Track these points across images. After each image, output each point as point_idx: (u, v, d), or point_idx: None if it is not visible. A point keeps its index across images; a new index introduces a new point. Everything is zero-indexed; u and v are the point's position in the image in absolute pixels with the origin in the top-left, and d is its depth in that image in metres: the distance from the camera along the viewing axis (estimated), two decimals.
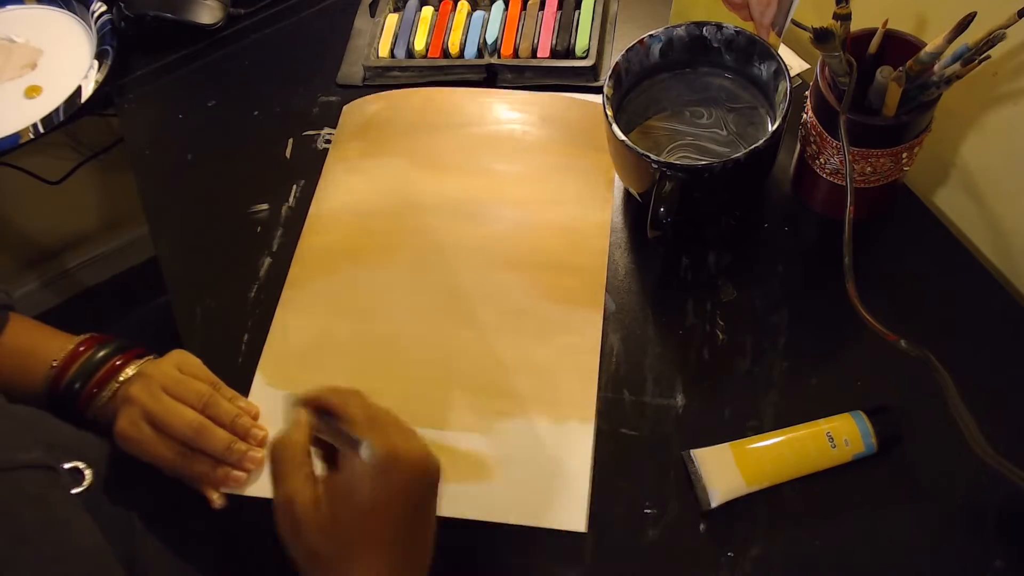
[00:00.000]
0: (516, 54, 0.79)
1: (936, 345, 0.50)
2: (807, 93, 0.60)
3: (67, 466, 0.51)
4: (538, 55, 0.78)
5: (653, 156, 0.57)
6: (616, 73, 0.62)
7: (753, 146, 0.56)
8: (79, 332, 0.60)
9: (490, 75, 0.79)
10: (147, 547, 0.54)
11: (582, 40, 0.77)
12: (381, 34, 0.82)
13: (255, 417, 0.60)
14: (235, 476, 0.56)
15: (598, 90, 0.75)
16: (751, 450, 0.55)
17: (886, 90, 0.53)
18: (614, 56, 0.77)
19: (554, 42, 0.78)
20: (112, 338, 0.60)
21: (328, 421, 0.43)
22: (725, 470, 0.54)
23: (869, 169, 0.58)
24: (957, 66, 0.50)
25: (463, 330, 0.63)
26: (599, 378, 0.60)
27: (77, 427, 0.56)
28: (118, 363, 0.58)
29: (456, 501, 0.55)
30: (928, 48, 0.51)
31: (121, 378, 0.57)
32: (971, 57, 0.49)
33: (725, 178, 0.57)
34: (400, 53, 0.81)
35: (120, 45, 0.88)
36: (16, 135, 0.83)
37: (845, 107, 0.54)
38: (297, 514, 0.41)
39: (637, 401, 0.59)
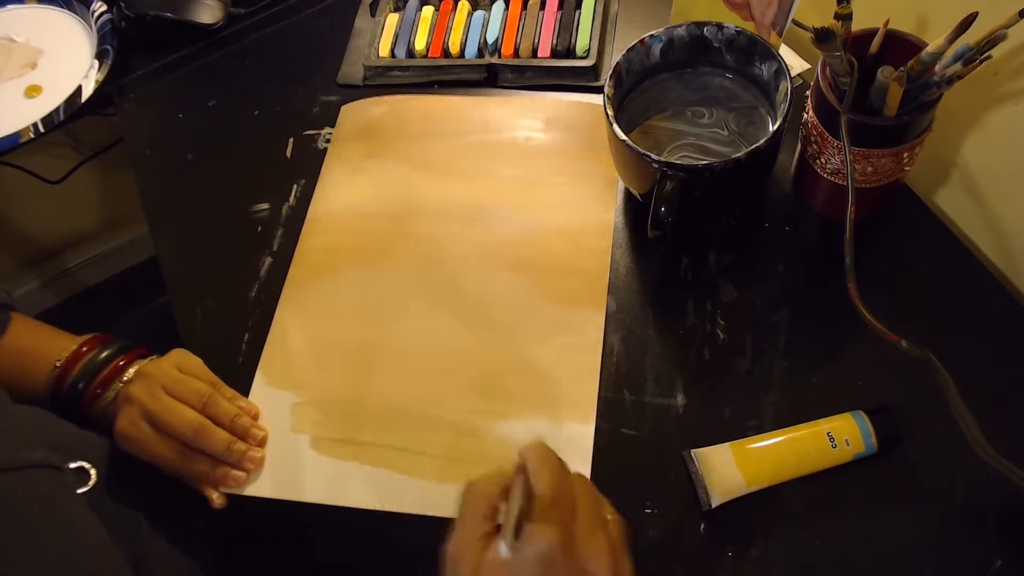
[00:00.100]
0: (517, 54, 0.79)
1: (937, 345, 0.50)
2: (808, 93, 0.60)
3: (72, 466, 0.51)
4: (539, 55, 0.78)
5: (654, 156, 0.57)
6: (617, 73, 0.62)
7: (754, 146, 0.56)
8: (79, 332, 0.60)
9: (490, 75, 0.79)
10: (152, 546, 0.54)
11: (583, 40, 0.77)
12: (381, 34, 0.82)
13: (255, 417, 0.60)
14: (235, 476, 0.56)
15: (599, 90, 0.75)
16: (751, 450, 0.55)
17: (887, 90, 0.53)
18: (615, 56, 0.77)
19: (555, 42, 0.78)
20: (115, 338, 0.60)
21: (521, 483, 0.39)
22: (725, 470, 0.54)
23: (870, 169, 0.58)
24: (958, 66, 0.50)
25: (464, 331, 0.63)
26: (599, 378, 0.60)
27: (80, 427, 0.56)
28: (121, 363, 0.58)
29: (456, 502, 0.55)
30: (929, 48, 0.51)
31: (124, 378, 0.57)
32: (972, 57, 0.49)
33: (726, 178, 0.57)
34: (401, 53, 0.81)
35: (120, 45, 0.88)
36: (16, 135, 0.83)
37: (846, 107, 0.54)
38: (451, 572, 0.38)
39: (637, 401, 0.59)
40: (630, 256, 0.66)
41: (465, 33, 0.81)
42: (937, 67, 0.51)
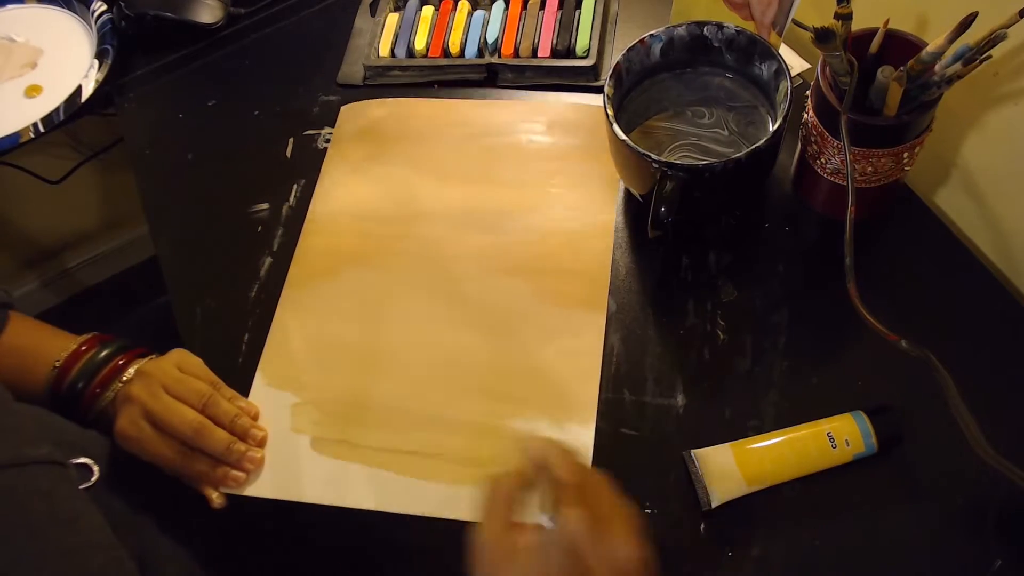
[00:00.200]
0: (517, 54, 0.79)
1: (936, 345, 0.50)
2: (808, 93, 0.60)
3: (76, 462, 0.51)
4: (539, 55, 0.78)
5: (654, 156, 0.57)
6: (617, 73, 0.62)
7: (754, 146, 0.56)
8: (79, 332, 0.60)
9: (490, 75, 0.79)
10: (155, 542, 0.54)
11: (583, 40, 0.77)
12: (381, 33, 0.82)
13: (255, 417, 0.60)
14: (234, 476, 0.56)
15: (599, 90, 0.75)
16: (751, 450, 0.54)
17: (887, 90, 0.53)
18: (615, 56, 0.77)
19: (555, 42, 0.78)
20: (114, 337, 0.60)
21: (546, 473, 0.41)
22: (725, 470, 0.54)
23: (870, 169, 0.58)
24: (958, 66, 0.50)
25: (464, 333, 0.63)
26: (599, 378, 0.60)
27: (80, 426, 0.56)
28: (121, 363, 0.58)
29: (456, 503, 0.55)
30: (929, 48, 0.51)
31: (124, 378, 0.57)
32: (972, 57, 0.49)
33: (726, 178, 0.57)
34: (401, 52, 0.81)
35: (120, 45, 0.88)
36: (16, 134, 0.83)
37: (846, 107, 0.54)
38: (484, 560, 0.40)
39: (637, 401, 0.59)
40: (630, 256, 0.66)
41: (465, 33, 0.81)
42: (937, 67, 0.51)
